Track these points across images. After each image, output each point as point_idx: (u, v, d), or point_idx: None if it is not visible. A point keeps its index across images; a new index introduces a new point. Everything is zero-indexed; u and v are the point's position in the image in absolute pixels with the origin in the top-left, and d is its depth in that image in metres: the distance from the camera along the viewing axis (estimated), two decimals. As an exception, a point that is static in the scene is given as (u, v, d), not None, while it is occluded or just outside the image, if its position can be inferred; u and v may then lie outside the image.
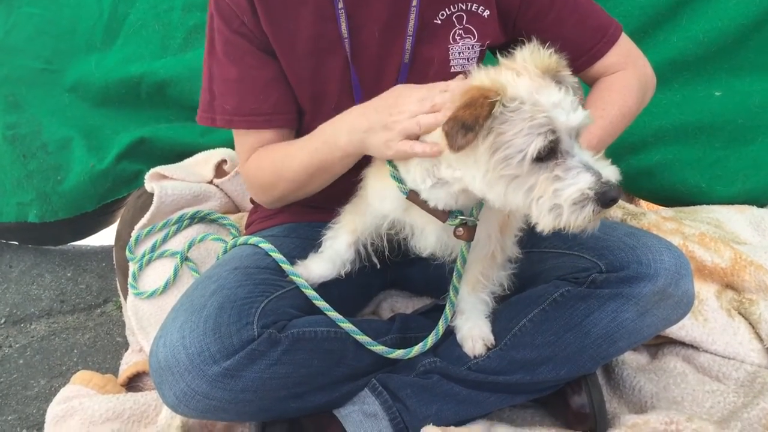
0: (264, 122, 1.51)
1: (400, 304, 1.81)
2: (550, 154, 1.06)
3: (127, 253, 1.92)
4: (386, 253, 1.50)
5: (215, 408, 1.26)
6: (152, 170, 2.13)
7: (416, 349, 1.42)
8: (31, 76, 2.43)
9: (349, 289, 1.56)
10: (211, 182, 2.20)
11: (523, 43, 1.15)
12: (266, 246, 1.49)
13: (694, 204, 2.26)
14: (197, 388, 1.23)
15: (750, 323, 1.73)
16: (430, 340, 1.42)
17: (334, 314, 1.39)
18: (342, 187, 1.45)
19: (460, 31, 1.48)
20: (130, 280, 1.86)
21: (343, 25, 1.44)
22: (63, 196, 2.44)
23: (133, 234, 1.94)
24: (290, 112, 1.54)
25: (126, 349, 1.96)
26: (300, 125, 1.57)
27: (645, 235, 1.45)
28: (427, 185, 1.23)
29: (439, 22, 1.47)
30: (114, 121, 2.48)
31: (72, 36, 2.44)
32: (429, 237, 1.36)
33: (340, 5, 1.43)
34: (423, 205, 1.27)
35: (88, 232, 2.78)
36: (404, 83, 1.46)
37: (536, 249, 1.49)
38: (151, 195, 2.02)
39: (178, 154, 2.40)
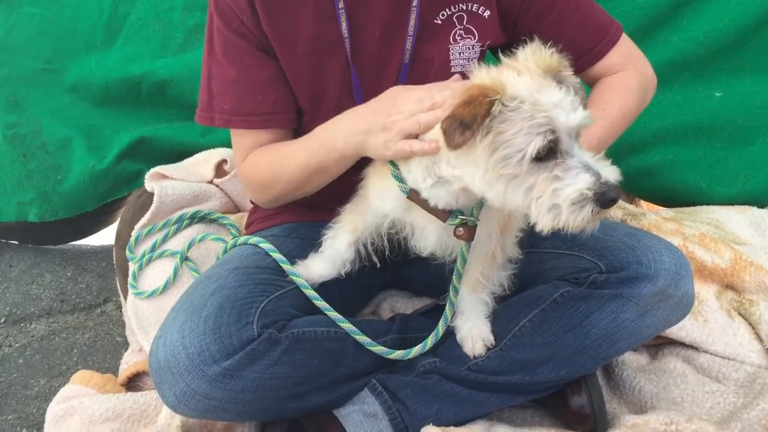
0: (262, 122, 1.51)
1: (400, 305, 1.80)
2: (549, 153, 1.06)
3: (127, 252, 1.92)
4: (386, 252, 1.50)
5: (215, 408, 1.26)
6: (152, 170, 2.13)
7: (416, 350, 1.42)
8: (31, 75, 2.43)
9: (350, 289, 1.56)
10: (211, 182, 2.20)
11: (526, 43, 1.15)
12: (266, 246, 1.49)
13: (694, 204, 2.26)
14: (197, 387, 1.23)
15: (750, 324, 1.73)
16: (430, 340, 1.42)
17: (334, 314, 1.39)
18: (342, 186, 1.45)
19: (461, 32, 1.48)
20: (130, 279, 1.86)
21: (344, 25, 1.44)
22: (63, 196, 2.44)
23: (133, 234, 1.94)
24: (289, 113, 1.54)
25: (126, 349, 1.96)
26: (299, 125, 1.57)
27: (645, 236, 1.45)
28: (428, 184, 1.23)
29: (440, 22, 1.47)
30: (114, 121, 2.48)
31: (72, 36, 2.44)
32: (429, 237, 1.36)
33: (341, 5, 1.43)
34: (423, 204, 1.27)
35: (88, 232, 2.78)
36: (404, 83, 1.47)
37: (536, 249, 1.49)
38: (151, 195, 2.02)
39: (178, 153, 2.40)
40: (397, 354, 1.41)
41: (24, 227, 2.54)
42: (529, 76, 1.09)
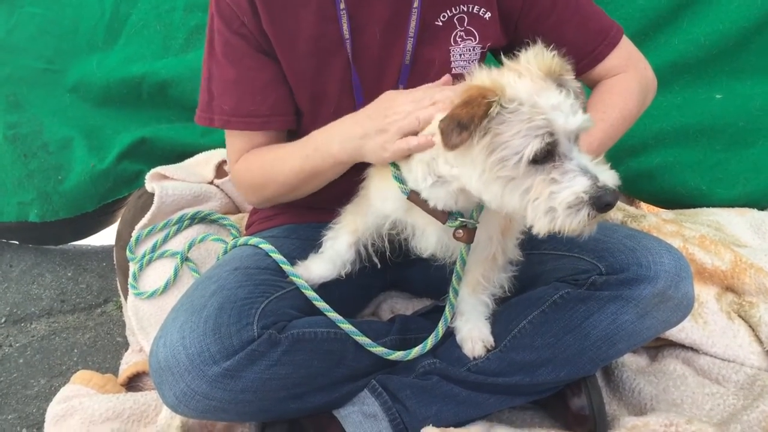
0: (261, 124, 1.51)
1: (400, 305, 1.81)
2: (547, 156, 1.06)
3: (127, 253, 1.92)
4: (387, 253, 1.50)
5: (215, 408, 1.26)
6: (153, 170, 2.13)
7: (416, 351, 1.42)
8: (32, 75, 2.44)
9: (350, 290, 1.56)
10: (211, 183, 2.20)
11: (528, 46, 1.15)
12: (266, 247, 1.49)
13: (694, 206, 2.26)
14: (197, 388, 1.23)
15: (750, 326, 1.73)
16: (430, 341, 1.42)
17: (334, 315, 1.39)
18: (342, 187, 1.46)
19: (462, 33, 1.48)
20: (130, 280, 1.86)
21: (345, 26, 1.44)
22: (64, 196, 2.44)
23: (134, 234, 1.95)
24: (287, 114, 1.54)
25: (126, 349, 1.96)
26: (298, 126, 1.57)
27: (645, 238, 1.45)
28: (428, 183, 1.23)
29: (441, 23, 1.47)
30: (115, 121, 2.49)
31: (74, 36, 2.45)
32: (430, 238, 1.36)
33: (342, 6, 1.43)
34: (423, 205, 1.27)
35: (89, 232, 2.79)
36: (405, 85, 1.47)
37: (536, 251, 1.49)
38: (152, 195, 2.02)
39: (178, 154, 2.41)
40: (397, 355, 1.41)
41: (25, 227, 2.55)
42: (530, 79, 1.08)
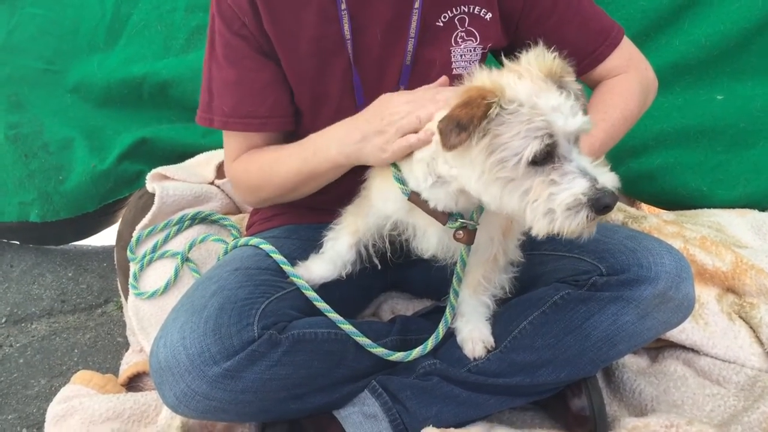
0: (260, 125, 1.51)
1: (400, 306, 1.81)
2: (547, 158, 1.06)
3: (128, 253, 1.92)
4: (388, 254, 1.50)
5: (215, 408, 1.26)
6: (154, 171, 2.14)
7: (416, 352, 1.42)
8: (33, 76, 2.44)
9: (350, 291, 1.56)
10: (212, 183, 2.20)
11: (530, 47, 1.15)
12: (267, 247, 1.49)
13: (695, 207, 2.26)
14: (197, 388, 1.23)
15: (751, 327, 1.73)
16: (430, 342, 1.42)
17: (334, 316, 1.39)
18: (343, 188, 1.46)
19: (462, 34, 1.48)
20: (131, 280, 1.87)
21: (346, 27, 1.44)
22: (64, 196, 2.44)
23: (135, 234, 1.95)
24: (286, 116, 1.54)
25: (126, 349, 1.96)
26: (298, 126, 1.57)
27: (646, 239, 1.45)
28: (428, 183, 1.23)
29: (441, 24, 1.47)
30: (116, 122, 2.49)
31: (75, 36, 2.45)
32: (431, 239, 1.36)
33: (343, 6, 1.43)
34: (424, 206, 1.27)
35: (90, 232, 2.79)
36: (406, 85, 1.48)
37: (537, 251, 1.49)
38: (153, 195, 2.02)
39: (179, 154, 2.41)
40: (398, 356, 1.41)
41: (25, 227, 2.55)
42: (530, 80, 1.08)
